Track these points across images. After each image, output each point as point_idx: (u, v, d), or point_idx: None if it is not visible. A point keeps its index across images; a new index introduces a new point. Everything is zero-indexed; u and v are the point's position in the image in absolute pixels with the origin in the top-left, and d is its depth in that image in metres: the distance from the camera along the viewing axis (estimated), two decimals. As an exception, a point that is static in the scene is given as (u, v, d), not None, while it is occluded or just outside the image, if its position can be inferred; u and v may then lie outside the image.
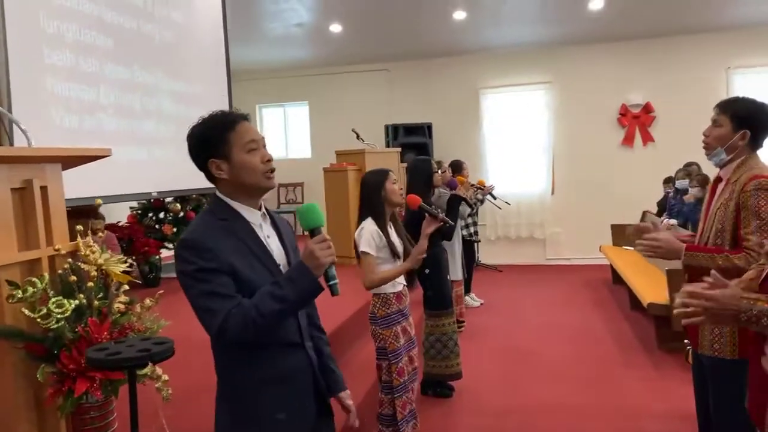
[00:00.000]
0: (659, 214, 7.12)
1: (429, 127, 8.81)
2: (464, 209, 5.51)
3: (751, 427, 1.69)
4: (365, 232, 2.96)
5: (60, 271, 1.90)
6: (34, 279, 1.77)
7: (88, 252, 2.00)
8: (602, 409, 3.84)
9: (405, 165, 4.15)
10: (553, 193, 8.91)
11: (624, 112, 8.63)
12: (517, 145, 8.99)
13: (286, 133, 10.10)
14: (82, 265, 1.97)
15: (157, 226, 5.98)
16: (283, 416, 1.66)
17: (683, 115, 7.81)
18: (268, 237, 1.72)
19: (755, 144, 2.21)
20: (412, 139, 8.70)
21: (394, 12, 7.41)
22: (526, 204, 8.97)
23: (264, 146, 1.70)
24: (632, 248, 6.82)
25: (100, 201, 2.20)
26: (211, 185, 1.71)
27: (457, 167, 6.36)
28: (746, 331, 1.95)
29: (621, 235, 7.36)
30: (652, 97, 8.46)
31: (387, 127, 8.74)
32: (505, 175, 8.96)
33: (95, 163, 2.30)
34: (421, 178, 3.90)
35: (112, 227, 5.66)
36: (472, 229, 6.71)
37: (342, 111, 9.19)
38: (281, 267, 1.71)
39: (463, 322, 5.72)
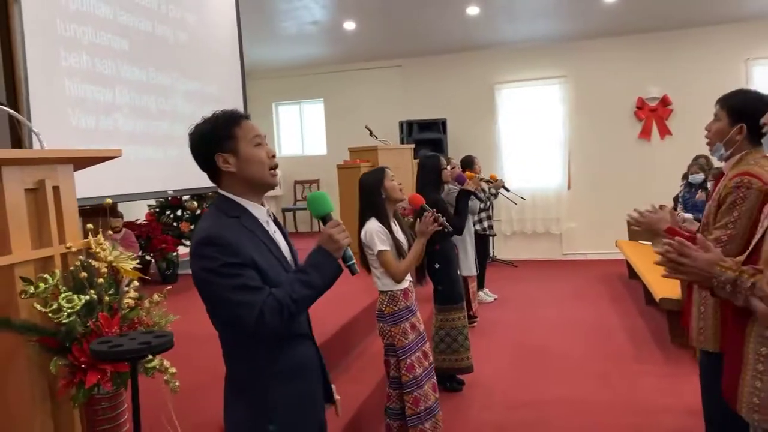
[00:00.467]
0: (675, 208, 7.05)
1: (443, 123, 8.81)
2: (475, 204, 5.53)
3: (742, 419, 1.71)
4: (374, 233, 2.97)
5: (71, 268, 1.98)
6: (45, 275, 1.84)
7: (98, 249, 2.07)
8: (613, 404, 3.84)
9: (418, 161, 4.20)
10: (569, 188, 8.86)
11: (641, 106, 8.54)
12: (533, 140, 8.95)
13: (302, 130, 10.19)
14: (94, 262, 2.05)
15: (174, 224, 6.10)
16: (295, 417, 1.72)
17: (701, 108, 7.60)
18: (275, 233, 1.78)
19: (755, 138, 2.17)
20: (426, 135, 8.71)
21: (407, 8, 7.44)
22: (542, 199, 8.94)
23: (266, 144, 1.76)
24: (648, 243, 6.78)
25: (110, 201, 2.27)
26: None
27: (468, 163, 6.38)
28: (726, 324, 1.99)
29: (637, 229, 7.29)
30: (670, 90, 8.36)
31: (401, 124, 8.77)
32: (520, 170, 8.96)
33: (113, 162, 2.38)
34: (430, 175, 3.94)
35: (131, 225, 5.79)
36: (486, 224, 6.71)
37: (357, 108, 9.24)
38: (289, 261, 1.77)
39: (476, 317, 5.74)
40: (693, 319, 2.33)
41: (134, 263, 2.20)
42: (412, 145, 7.46)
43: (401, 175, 4.55)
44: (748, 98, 2.19)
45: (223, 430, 2.39)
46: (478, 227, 6.54)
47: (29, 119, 3.50)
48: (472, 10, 7.54)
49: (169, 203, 6.16)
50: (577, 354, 4.83)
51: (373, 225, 2.99)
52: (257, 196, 1.74)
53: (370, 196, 3.05)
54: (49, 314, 1.80)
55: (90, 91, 4.14)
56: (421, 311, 3.28)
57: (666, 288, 4.77)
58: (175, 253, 5.87)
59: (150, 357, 2.07)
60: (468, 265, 5.52)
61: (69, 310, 1.80)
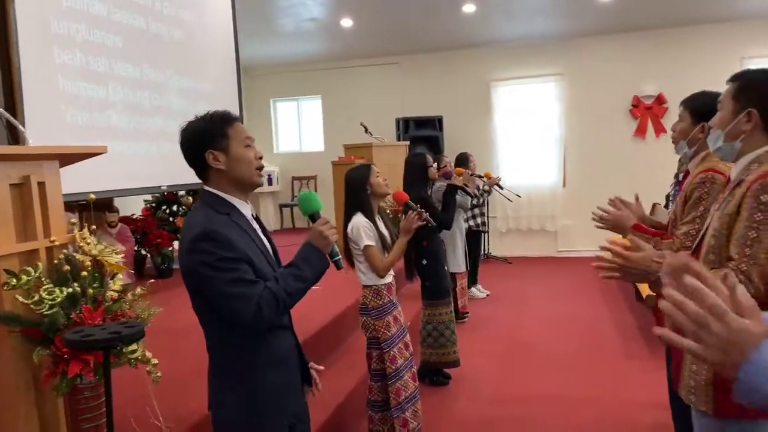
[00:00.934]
0: (667, 206, 7.09)
1: (440, 120, 8.86)
2: (466, 200, 5.59)
3: None
4: (360, 227, 3.03)
5: (55, 261, 2.04)
6: (28, 268, 1.90)
7: (83, 243, 2.13)
8: (598, 399, 3.90)
9: (405, 160, 4.26)
10: (564, 185, 8.90)
11: (636, 104, 8.57)
12: (529, 137, 8.99)
13: (299, 127, 10.24)
14: (79, 256, 2.11)
15: (170, 219, 6.17)
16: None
17: (696, 107, 7.72)
18: (258, 230, 1.86)
19: None
20: (423, 132, 8.76)
21: (403, 6, 7.47)
22: (537, 196, 8.98)
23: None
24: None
25: (93, 196, 2.33)
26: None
27: (463, 160, 6.43)
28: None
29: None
30: (665, 88, 8.38)
31: (398, 121, 8.82)
32: (516, 168, 9.00)
33: (107, 158, 2.45)
34: (416, 172, 4.01)
35: (126, 220, 5.86)
36: (479, 220, 6.76)
37: (354, 104, 9.29)
38: (272, 258, 1.85)
39: (467, 313, 5.80)
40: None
41: (119, 257, 2.26)
42: (407, 142, 7.52)
43: (395, 171, 4.61)
44: (708, 100, 2.26)
45: (208, 420, 2.46)
46: (471, 223, 6.61)
47: (23, 116, 3.57)
48: (469, 8, 7.56)
49: (164, 199, 6.23)
50: (565, 349, 4.89)
51: (359, 220, 3.05)
52: (243, 194, 1.81)
53: (356, 191, 3.10)
54: (31, 306, 1.86)
55: (84, 88, 4.20)
56: (410, 307, 3.35)
57: (653, 285, 4.81)
58: (170, 248, 5.93)
59: (134, 348, 2.14)
60: (457, 262, 5.58)
61: (50, 302, 1.86)
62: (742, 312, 0.93)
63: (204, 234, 1.64)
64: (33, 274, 1.89)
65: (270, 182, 9.41)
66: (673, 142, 2.49)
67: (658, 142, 8.51)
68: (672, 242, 2.20)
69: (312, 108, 10.06)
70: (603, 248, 1.81)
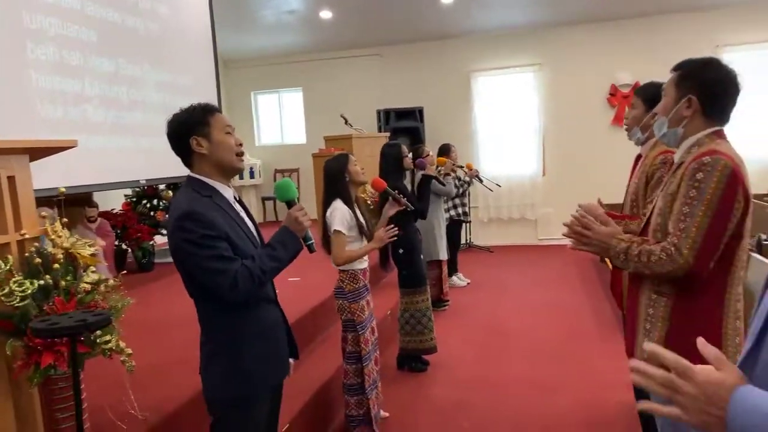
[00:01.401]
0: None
1: (420, 111, 8.90)
2: (450, 189, 5.66)
3: None
4: (338, 212, 3.12)
5: (26, 254, 2.07)
6: (-1, 261, 1.93)
7: (54, 236, 2.16)
8: (570, 382, 4.00)
9: (381, 150, 4.31)
10: (544, 174, 9.00)
11: (614, 92, 8.67)
12: (509, 127, 9.06)
13: (281, 119, 10.24)
14: (51, 249, 2.14)
15: (150, 213, 6.17)
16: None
17: (672, 95, 7.83)
18: (241, 212, 2.01)
19: None
20: (403, 124, 8.81)
21: (382, -4, 7.50)
22: (518, 185, 9.07)
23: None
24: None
25: (63, 189, 2.35)
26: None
27: (445, 150, 6.52)
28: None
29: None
30: (641, 76, 8.41)
31: (379, 112, 8.85)
32: (496, 157, 9.08)
33: (83, 153, 2.48)
34: (392, 163, 4.05)
35: (106, 214, 5.86)
36: (460, 210, 6.83)
37: (335, 96, 9.30)
38: (255, 237, 2.01)
39: (448, 301, 5.88)
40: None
41: (92, 249, 2.29)
42: (387, 134, 7.56)
43: (376, 162, 4.63)
44: (659, 89, 2.35)
45: (185, 409, 2.52)
46: (452, 213, 6.69)
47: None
48: (447, -1, 7.62)
49: (144, 193, 6.23)
50: (542, 335, 4.99)
51: (340, 206, 3.15)
52: (225, 178, 1.98)
53: (335, 179, 3.20)
54: (2, 298, 1.89)
55: (58, 83, 4.20)
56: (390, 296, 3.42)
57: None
58: (151, 242, 5.95)
59: (107, 338, 2.18)
60: (439, 250, 5.66)
61: (21, 294, 1.89)
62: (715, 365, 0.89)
63: (187, 214, 1.80)
64: (3, 267, 1.92)
65: (252, 175, 9.41)
66: (626, 129, 2.61)
67: (635, 130, 8.62)
68: (639, 222, 2.29)
69: (293, 100, 10.06)
70: (574, 215, 1.92)
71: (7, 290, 1.89)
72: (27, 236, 2.09)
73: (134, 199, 6.25)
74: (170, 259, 1.94)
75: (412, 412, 3.69)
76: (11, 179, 2.12)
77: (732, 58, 8.10)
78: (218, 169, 1.93)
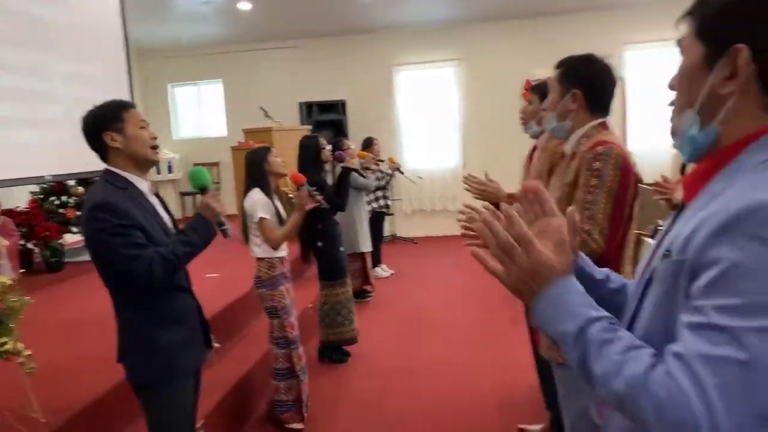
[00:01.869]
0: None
1: (343, 104, 8.93)
2: (369, 182, 5.73)
3: None
4: (257, 200, 3.18)
5: None
6: None
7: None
8: (484, 365, 4.17)
9: (299, 143, 4.31)
10: (464, 166, 9.23)
11: (528, 88, 8.97)
12: (431, 120, 9.25)
13: (200, 112, 9.98)
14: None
15: (60, 210, 5.87)
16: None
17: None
18: (157, 204, 2.07)
19: None
20: (326, 117, 8.80)
21: (301, -11, 7.44)
22: (440, 177, 9.28)
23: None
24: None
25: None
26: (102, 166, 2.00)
27: (367, 144, 6.61)
28: None
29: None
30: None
31: (301, 105, 8.80)
32: (419, 150, 9.25)
33: None
34: (310, 155, 4.06)
35: (9, 212, 5.53)
36: (382, 202, 6.91)
37: (256, 88, 9.16)
38: (170, 228, 2.08)
39: (371, 292, 5.97)
40: None
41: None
42: (309, 127, 7.53)
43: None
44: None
45: (88, 411, 2.45)
46: (374, 205, 6.76)
47: None
48: (366, -8, 7.65)
49: (53, 189, 5.92)
50: (460, 321, 5.16)
51: (256, 195, 3.21)
52: (141, 171, 2.04)
53: (255, 169, 3.27)
54: None
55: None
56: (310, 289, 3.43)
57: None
58: (60, 241, 5.67)
59: (3, 340, 2.09)
60: (364, 242, 5.73)
61: None
62: (552, 244, 0.96)
63: (100, 204, 1.86)
64: None
65: (170, 170, 9.13)
66: (522, 123, 2.76)
67: (549, 123, 8.99)
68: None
69: (213, 92, 9.83)
70: (466, 205, 1.97)
71: None
72: None
73: (41, 196, 5.93)
74: (81, 258, 1.95)
75: (333, 403, 3.74)
76: None
77: (637, 55, 8.67)
78: (133, 162, 1.99)
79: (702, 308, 0.80)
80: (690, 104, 0.94)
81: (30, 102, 4.75)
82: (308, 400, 3.44)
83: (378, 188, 6.70)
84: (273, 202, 3.25)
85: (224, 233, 2.14)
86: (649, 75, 8.10)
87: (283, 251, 3.32)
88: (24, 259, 5.46)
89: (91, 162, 2.07)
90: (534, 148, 2.89)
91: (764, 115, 0.88)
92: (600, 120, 1.99)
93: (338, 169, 4.97)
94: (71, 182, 5.78)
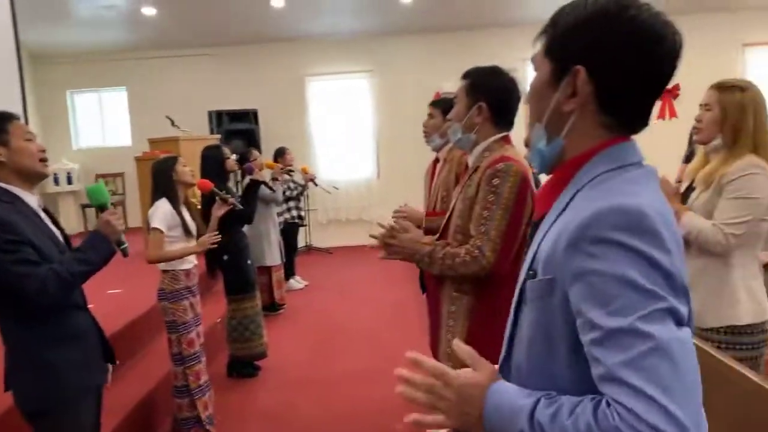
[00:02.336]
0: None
1: (255, 113, 8.79)
2: (278, 196, 5.66)
3: None
4: (159, 210, 3.12)
5: None
6: None
7: None
8: (391, 371, 4.19)
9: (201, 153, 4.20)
10: (378, 177, 9.35)
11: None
12: (345, 130, 9.29)
13: (102, 121, 9.52)
14: None
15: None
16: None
17: (488, 102, 8.55)
18: (45, 218, 1.99)
19: None
20: (237, 126, 8.64)
21: (207, -3, 7.29)
22: (354, 188, 9.33)
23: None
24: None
25: None
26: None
27: (279, 154, 6.54)
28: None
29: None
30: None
31: (210, 114, 8.59)
32: (333, 161, 9.26)
33: None
34: (213, 166, 3.97)
35: None
36: (294, 213, 6.85)
37: (163, 97, 8.85)
38: (62, 244, 2.00)
39: (283, 305, 5.89)
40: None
41: None
42: (218, 136, 7.36)
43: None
44: (452, 102, 2.60)
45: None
46: (286, 216, 6.68)
47: None
48: (277, 2, 7.60)
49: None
50: (372, 331, 5.20)
51: (161, 204, 3.14)
52: (28, 185, 1.97)
53: (162, 179, 3.20)
54: None
55: None
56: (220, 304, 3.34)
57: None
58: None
59: None
60: (272, 255, 5.64)
61: None
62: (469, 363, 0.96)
63: None
64: None
65: (70, 180, 8.64)
66: (425, 136, 2.83)
67: (459, 134, 9.27)
68: None
69: (116, 100, 9.40)
70: (380, 225, 2.03)
71: None
72: None
73: None
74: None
75: (242, 418, 3.66)
76: None
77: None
78: (19, 176, 1.92)
79: (592, 322, 0.82)
80: (539, 119, 1.01)
81: None
82: (213, 416, 3.35)
83: (290, 199, 6.64)
84: (180, 214, 3.18)
85: (123, 252, 2.09)
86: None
87: (189, 264, 3.25)
88: None
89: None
90: (436, 160, 2.97)
91: (603, 131, 0.96)
92: (503, 134, 2.03)
93: (247, 179, 4.91)
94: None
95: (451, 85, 9.31)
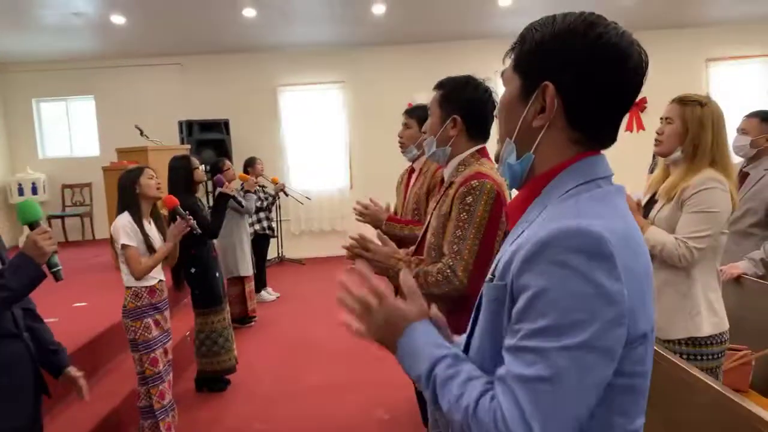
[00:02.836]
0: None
1: (226, 123, 8.70)
2: (250, 208, 5.61)
3: None
4: (119, 225, 3.02)
5: None
6: None
7: None
8: (361, 383, 4.20)
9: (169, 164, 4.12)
10: (351, 187, 9.32)
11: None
12: (317, 141, 9.26)
13: (69, 130, 9.32)
14: None
15: None
16: None
17: (460, 114, 8.62)
18: None
19: None
20: (208, 136, 8.54)
21: (179, 5, 7.21)
22: (327, 198, 9.29)
23: None
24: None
25: None
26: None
27: (249, 164, 6.46)
28: None
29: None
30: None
31: (181, 123, 8.48)
32: (305, 171, 9.21)
33: None
34: (180, 176, 3.89)
35: None
36: (265, 224, 6.77)
37: (132, 106, 8.72)
38: None
39: (254, 317, 5.81)
40: None
41: None
42: (188, 146, 7.26)
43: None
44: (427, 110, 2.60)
45: None
46: (257, 227, 6.60)
47: None
48: (249, 13, 7.55)
49: None
50: (342, 343, 5.13)
51: (122, 219, 3.05)
52: None
53: (125, 191, 3.11)
54: None
55: None
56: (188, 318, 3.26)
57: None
58: None
59: None
60: (244, 266, 5.58)
61: None
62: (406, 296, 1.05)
63: None
64: None
65: (35, 191, 8.43)
66: (401, 147, 2.81)
67: (431, 145, 9.32)
68: (422, 227, 2.46)
69: (84, 109, 9.22)
70: (352, 237, 2.00)
71: None
72: None
73: None
74: None
75: (209, 434, 3.58)
76: None
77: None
78: None
79: (518, 331, 0.86)
80: (509, 133, 1.02)
81: None
82: None
83: (260, 210, 6.57)
84: (142, 228, 3.08)
85: (56, 276, 1.89)
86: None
87: (153, 280, 3.14)
88: None
89: None
90: (411, 170, 2.96)
91: (572, 147, 0.97)
92: (479, 146, 2.00)
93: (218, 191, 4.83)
94: None
95: (424, 96, 9.28)
